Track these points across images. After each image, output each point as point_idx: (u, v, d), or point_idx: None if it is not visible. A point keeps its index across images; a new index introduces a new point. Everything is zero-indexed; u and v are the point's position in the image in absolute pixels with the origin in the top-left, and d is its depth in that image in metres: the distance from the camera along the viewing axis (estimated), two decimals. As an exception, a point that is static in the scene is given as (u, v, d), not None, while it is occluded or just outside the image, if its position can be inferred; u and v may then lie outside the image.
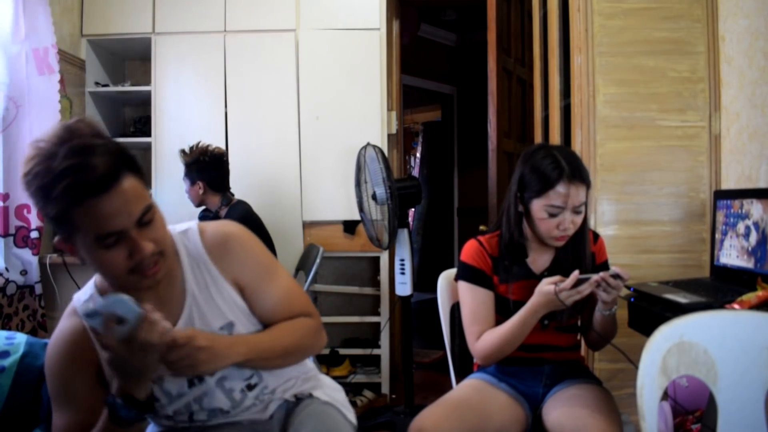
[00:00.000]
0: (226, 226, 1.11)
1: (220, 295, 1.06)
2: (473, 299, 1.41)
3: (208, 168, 2.50)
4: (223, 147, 2.84)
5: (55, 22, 2.71)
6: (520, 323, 1.32)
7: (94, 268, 0.95)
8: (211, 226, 1.10)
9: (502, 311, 1.41)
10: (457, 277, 1.47)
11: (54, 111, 2.41)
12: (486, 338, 1.37)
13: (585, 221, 1.39)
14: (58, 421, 0.98)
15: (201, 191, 2.51)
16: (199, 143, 2.53)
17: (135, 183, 0.91)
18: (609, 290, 1.26)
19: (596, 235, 1.50)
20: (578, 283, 1.24)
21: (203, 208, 2.59)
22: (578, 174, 1.32)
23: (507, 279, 1.41)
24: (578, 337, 1.53)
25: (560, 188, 1.30)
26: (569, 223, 1.33)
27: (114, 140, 0.93)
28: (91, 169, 0.84)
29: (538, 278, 1.33)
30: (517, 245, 1.41)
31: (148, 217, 0.92)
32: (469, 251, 1.45)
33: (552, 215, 1.32)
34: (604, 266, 1.45)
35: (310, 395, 1.17)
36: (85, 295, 1.03)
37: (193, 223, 1.10)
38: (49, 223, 0.91)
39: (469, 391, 1.42)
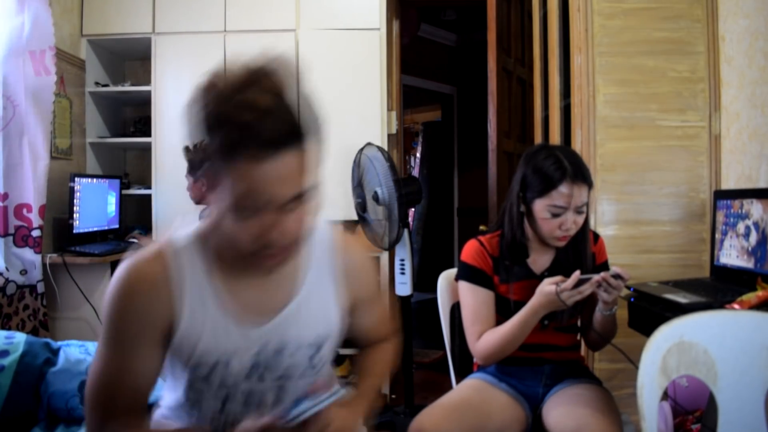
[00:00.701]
0: (357, 241, 1.07)
1: (329, 304, 0.98)
2: (474, 299, 1.41)
3: None
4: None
5: (55, 23, 2.71)
6: (521, 323, 1.32)
7: (221, 225, 0.84)
8: (345, 236, 1.05)
9: (503, 311, 1.41)
10: (458, 277, 1.47)
11: (48, 113, 2.40)
12: (487, 338, 1.37)
13: (586, 222, 1.40)
14: (99, 362, 0.88)
15: (204, 188, 2.49)
16: (202, 140, 2.52)
17: (308, 158, 0.81)
18: (610, 290, 1.26)
19: (596, 236, 1.50)
20: (579, 283, 1.24)
21: (204, 207, 2.57)
22: (581, 174, 1.32)
23: (508, 279, 1.41)
24: (578, 338, 1.53)
25: (563, 188, 1.31)
26: (571, 224, 1.33)
27: (311, 104, 0.83)
28: (278, 123, 0.75)
29: (539, 278, 1.33)
30: (518, 245, 1.41)
31: (303, 198, 0.82)
32: (470, 251, 1.45)
33: (554, 215, 1.33)
34: (605, 267, 1.45)
35: None
36: (184, 232, 0.92)
37: (330, 225, 1.03)
38: (197, 159, 0.85)
39: (469, 391, 1.42)
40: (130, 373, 0.86)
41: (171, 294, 0.87)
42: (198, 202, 2.53)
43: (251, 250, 0.81)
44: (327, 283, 0.98)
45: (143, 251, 0.89)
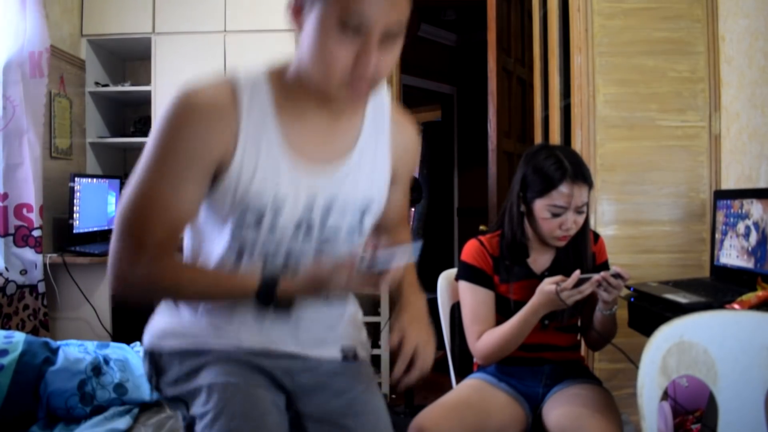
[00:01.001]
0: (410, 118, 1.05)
1: (380, 168, 0.96)
2: (474, 299, 1.41)
3: None
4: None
5: (55, 23, 2.71)
6: (521, 323, 1.32)
7: (309, 53, 0.80)
8: (400, 109, 1.04)
9: (503, 311, 1.41)
10: (458, 277, 1.47)
11: (41, 115, 2.40)
12: (486, 338, 1.37)
13: (586, 221, 1.40)
14: (140, 187, 0.84)
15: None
16: None
17: None
18: (610, 290, 1.26)
19: (596, 236, 1.50)
20: (579, 282, 1.24)
21: None
22: (581, 174, 1.32)
23: (508, 279, 1.41)
24: (578, 337, 1.53)
25: (563, 188, 1.31)
26: (572, 223, 1.33)
27: None
28: None
29: (539, 278, 1.33)
30: (518, 245, 1.41)
31: (399, 36, 0.80)
32: (470, 251, 1.45)
33: (555, 215, 1.33)
34: (605, 266, 1.45)
35: (355, 356, 1.03)
36: (254, 68, 0.89)
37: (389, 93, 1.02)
38: None
39: (469, 391, 1.42)
40: (171, 203, 0.81)
41: (233, 123, 0.82)
42: None
43: (344, 74, 0.78)
44: (381, 147, 0.96)
45: (208, 78, 0.85)
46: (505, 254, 1.42)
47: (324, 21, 0.76)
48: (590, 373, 1.50)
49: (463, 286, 1.44)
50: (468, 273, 1.43)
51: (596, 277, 1.24)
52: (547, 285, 1.27)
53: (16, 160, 2.25)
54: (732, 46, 1.92)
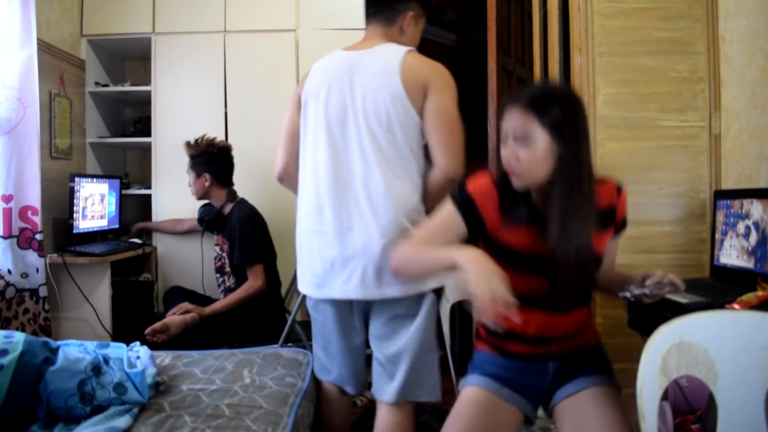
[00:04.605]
0: None
1: None
2: (442, 218, 1.31)
3: (215, 160, 2.46)
4: (224, 146, 2.83)
5: (55, 23, 2.72)
6: (438, 262, 1.22)
7: None
8: None
9: (506, 258, 1.26)
10: (451, 197, 1.33)
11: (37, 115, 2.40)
12: (410, 246, 1.30)
13: (568, 168, 1.18)
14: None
15: (207, 183, 2.45)
16: (204, 136, 2.49)
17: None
18: (659, 293, 1.20)
19: (619, 188, 1.33)
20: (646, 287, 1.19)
21: (204, 203, 2.56)
22: (523, 98, 1.20)
23: (513, 218, 1.27)
24: (589, 306, 1.39)
25: (506, 113, 1.23)
26: (510, 154, 1.21)
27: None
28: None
29: (542, 225, 1.23)
30: (509, 180, 1.27)
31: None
32: (478, 183, 1.30)
33: (503, 143, 1.24)
34: (624, 223, 1.36)
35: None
36: None
37: None
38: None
39: (474, 411, 1.29)
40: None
41: None
42: (200, 197, 2.51)
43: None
44: None
45: None
46: (503, 186, 1.28)
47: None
48: (603, 361, 1.36)
49: (447, 206, 1.31)
50: (461, 200, 1.30)
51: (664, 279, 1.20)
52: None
53: (24, 162, 2.24)
54: (732, 46, 1.92)
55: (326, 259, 1.50)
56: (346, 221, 1.48)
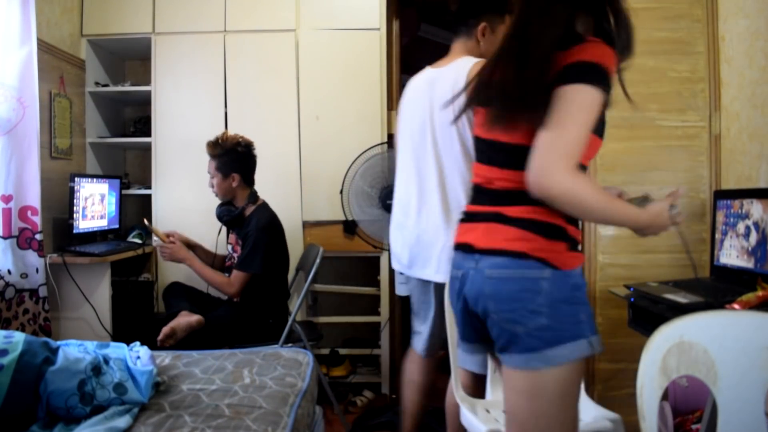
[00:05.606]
0: None
1: None
2: (592, 117, 1.02)
3: (243, 159, 2.35)
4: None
5: (55, 23, 2.72)
6: (616, 213, 1.11)
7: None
8: None
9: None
10: (582, 79, 1.01)
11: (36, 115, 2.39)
12: (587, 183, 1.00)
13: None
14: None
15: (235, 184, 2.35)
16: (224, 133, 2.40)
17: None
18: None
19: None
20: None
21: (219, 203, 2.45)
22: None
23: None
24: None
25: None
26: None
27: None
28: None
29: None
30: None
31: None
32: (611, 54, 1.08)
33: None
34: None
35: None
36: None
37: None
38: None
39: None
40: None
41: None
42: (225, 199, 2.41)
43: None
44: None
45: None
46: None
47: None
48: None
49: (591, 93, 1.01)
50: (606, 81, 1.04)
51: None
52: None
53: (24, 162, 2.24)
54: (732, 46, 1.92)
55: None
56: (423, 220, 1.71)
